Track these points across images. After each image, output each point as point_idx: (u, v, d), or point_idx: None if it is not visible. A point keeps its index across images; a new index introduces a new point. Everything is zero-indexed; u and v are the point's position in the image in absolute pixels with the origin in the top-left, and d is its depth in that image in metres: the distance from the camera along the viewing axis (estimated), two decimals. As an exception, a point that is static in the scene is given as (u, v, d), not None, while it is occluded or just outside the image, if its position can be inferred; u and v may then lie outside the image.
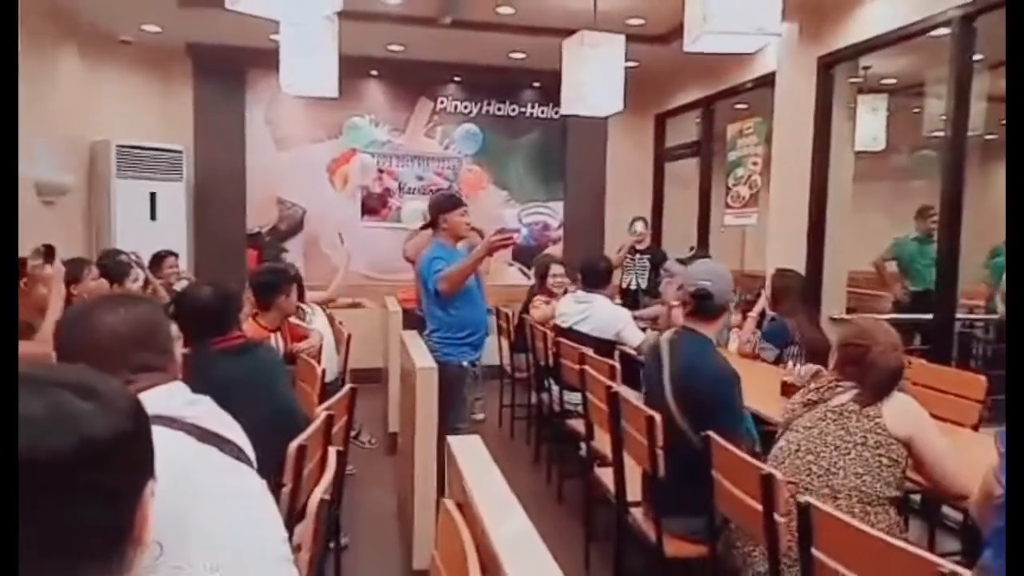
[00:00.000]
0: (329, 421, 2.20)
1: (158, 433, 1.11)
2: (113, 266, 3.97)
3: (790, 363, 3.24)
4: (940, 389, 2.87)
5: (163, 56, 6.10)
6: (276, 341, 3.19)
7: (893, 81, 6.18)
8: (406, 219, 6.57)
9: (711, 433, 2.08)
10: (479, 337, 3.58)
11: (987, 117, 5.78)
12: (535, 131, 6.97)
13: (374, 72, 6.57)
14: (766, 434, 2.46)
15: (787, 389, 2.86)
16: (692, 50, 3.23)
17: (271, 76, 4.70)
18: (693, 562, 2.30)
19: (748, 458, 1.90)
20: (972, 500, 1.69)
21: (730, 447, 1.99)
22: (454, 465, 1.58)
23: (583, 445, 3.43)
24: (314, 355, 3.29)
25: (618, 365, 3.50)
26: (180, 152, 6.01)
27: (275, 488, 1.68)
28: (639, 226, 5.94)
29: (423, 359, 3.01)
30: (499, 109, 6.88)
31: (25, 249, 2.64)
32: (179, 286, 4.38)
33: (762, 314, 3.99)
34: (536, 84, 6.80)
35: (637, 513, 2.58)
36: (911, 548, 1.36)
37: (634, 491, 2.60)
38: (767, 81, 5.10)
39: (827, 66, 4.47)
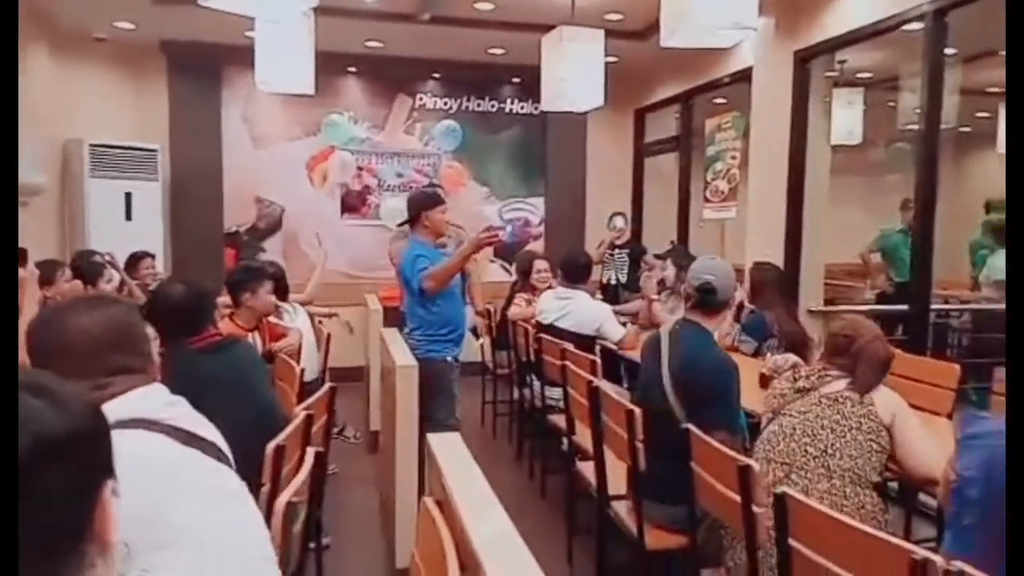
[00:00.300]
0: (308, 420, 2.19)
1: (138, 436, 1.10)
2: (87, 267, 3.92)
3: (768, 355, 3.27)
4: (915, 378, 2.91)
5: (137, 54, 6.01)
6: (254, 340, 3.17)
7: (869, 75, 6.24)
8: (386, 216, 6.53)
9: (690, 426, 2.10)
10: (460, 334, 3.59)
11: (960, 110, 5.88)
12: (515, 127, 6.96)
13: (352, 69, 6.52)
14: (750, 426, 2.48)
15: (765, 381, 2.88)
16: (669, 45, 3.24)
17: (247, 73, 4.65)
18: (674, 553, 2.31)
19: (726, 450, 1.92)
20: (939, 491, 1.72)
21: (709, 440, 2.01)
22: (434, 463, 1.58)
23: (565, 440, 3.44)
24: (293, 354, 3.27)
25: (599, 360, 3.52)
26: (155, 151, 5.93)
27: (254, 489, 1.66)
28: (618, 221, 5.97)
29: (403, 357, 3.00)
30: (479, 105, 6.87)
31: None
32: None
33: (740, 307, 4.02)
34: (516, 80, 6.79)
35: (620, 506, 2.59)
36: (885, 536, 1.38)
37: (617, 485, 2.61)
38: (745, 75, 5.14)
39: (803, 60, 4.51)
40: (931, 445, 2.00)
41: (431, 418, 3.26)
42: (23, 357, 1.20)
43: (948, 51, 3.79)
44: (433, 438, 1.72)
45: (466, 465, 1.55)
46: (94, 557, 0.57)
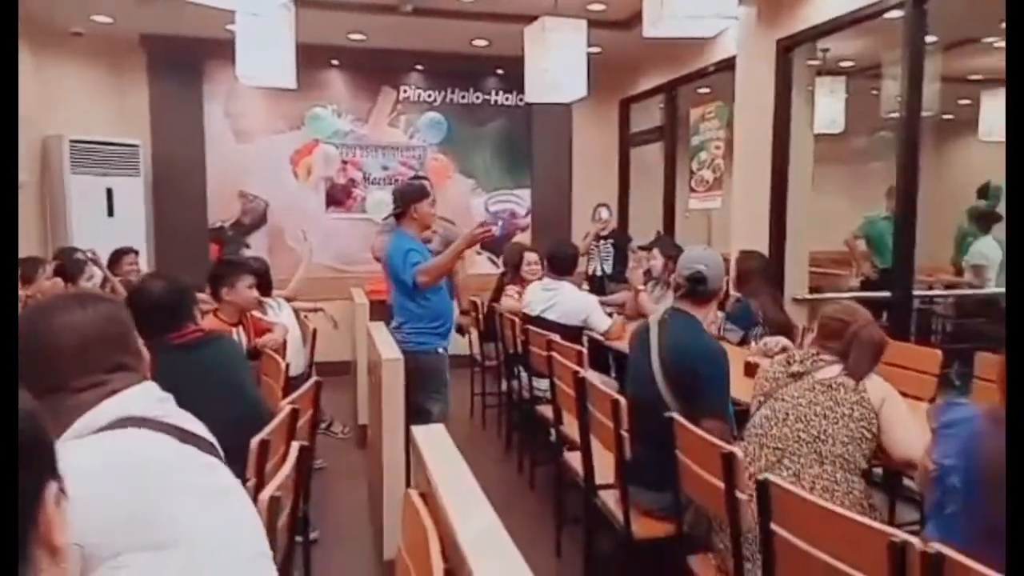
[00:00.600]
0: (294, 415, 2.18)
1: (136, 435, 1.10)
2: (69, 264, 3.87)
3: (753, 343, 3.28)
4: (898, 364, 2.93)
5: (116, 48, 5.94)
6: (239, 336, 3.15)
7: (851, 64, 6.27)
8: (371, 210, 6.51)
9: (674, 414, 2.11)
10: (448, 327, 3.59)
11: (942, 97, 5.92)
12: (500, 119, 6.94)
13: (335, 61, 6.48)
14: (736, 414, 2.49)
15: (751, 369, 2.90)
16: (651, 35, 3.25)
17: (229, 67, 4.61)
18: (661, 541, 2.33)
19: (710, 438, 1.93)
20: (916, 476, 1.74)
21: (693, 428, 2.02)
22: (418, 454, 1.58)
23: (552, 431, 3.45)
24: (278, 349, 3.26)
25: (585, 350, 3.52)
26: (137, 146, 5.87)
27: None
28: (603, 213, 5.98)
29: (389, 350, 2.99)
30: (463, 97, 6.84)
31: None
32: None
33: (726, 296, 4.03)
34: (500, 71, 6.76)
35: (607, 495, 2.60)
36: (865, 520, 1.40)
37: (604, 474, 2.62)
38: (729, 65, 5.14)
39: (786, 49, 4.52)
40: (915, 429, 2.01)
41: (425, 411, 3.26)
42: None
43: (929, 38, 3.81)
44: (417, 430, 1.71)
45: (450, 457, 1.54)
46: (41, 560, 0.57)
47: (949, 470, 1.42)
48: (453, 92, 6.80)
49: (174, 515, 1.01)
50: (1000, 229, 5.66)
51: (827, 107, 5.95)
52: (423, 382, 3.34)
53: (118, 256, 4.65)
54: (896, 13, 3.80)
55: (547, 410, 3.59)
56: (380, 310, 4.52)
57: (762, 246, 4.51)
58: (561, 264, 4.20)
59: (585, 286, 5.27)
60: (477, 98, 6.88)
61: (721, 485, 1.81)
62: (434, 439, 1.66)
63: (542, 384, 3.70)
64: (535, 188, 7.07)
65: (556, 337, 3.54)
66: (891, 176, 4.06)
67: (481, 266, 6.76)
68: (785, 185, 4.58)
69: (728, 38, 4.97)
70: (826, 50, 5.36)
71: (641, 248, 5.05)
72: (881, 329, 2.19)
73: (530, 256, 4.82)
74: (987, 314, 5.21)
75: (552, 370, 3.15)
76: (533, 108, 6.41)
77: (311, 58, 5.24)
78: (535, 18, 4.28)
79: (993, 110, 6.46)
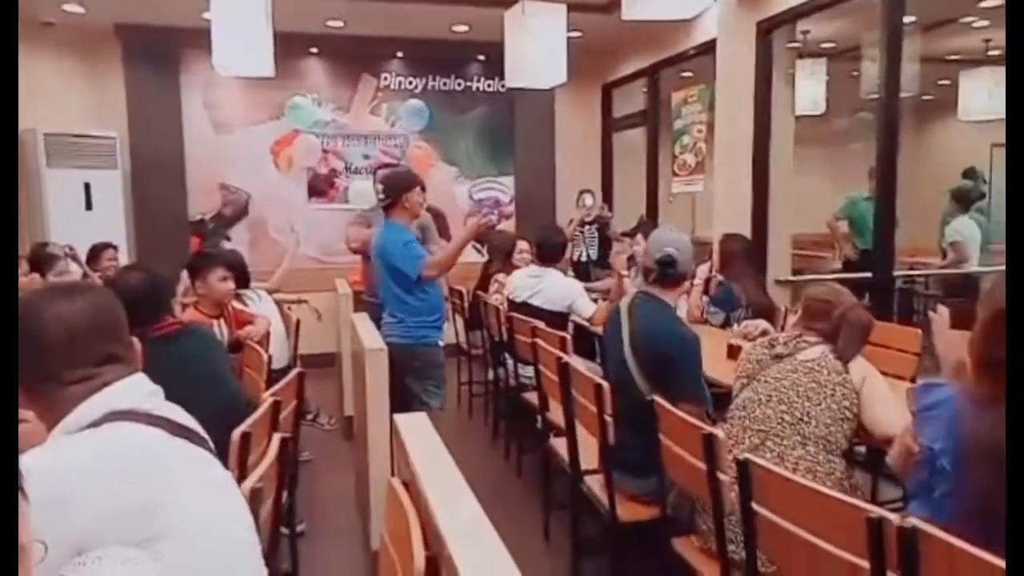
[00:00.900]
0: (276, 407, 2.16)
1: (130, 429, 1.08)
2: (43, 258, 3.82)
3: (736, 326, 3.30)
4: (879, 343, 2.96)
5: (90, 38, 5.83)
6: (220, 328, 3.13)
7: (832, 45, 6.28)
8: (354, 200, 6.45)
9: (656, 397, 2.11)
10: (442, 319, 3.60)
11: (922, 78, 5.94)
12: (482, 105, 6.89)
13: (314, 49, 6.40)
14: (715, 396, 2.51)
15: (733, 352, 2.91)
16: (630, 17, 3.23)
17: (206, 57, 4.53)
18: (646, 524, 2.35)
19: (692, 419, 1.94)
20: (891, 454, 1.75)
21: (674, 410, 2.02)
22: (401, 443, 1.58)
23: (539, 418, 3.46)
24: (261, 340, 3.23)
25: (570, 336, 3.53)
26: (114, 139, 5.78)
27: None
28: (587, 199, 5.97)
29: (372, 340, 2.98)
30: (445, 84, 6.78)
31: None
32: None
33: (710, 279, 4.05)
34: (481, 57, 6.71)
35: (592, 481, 2.61)
36: (843, 497, 1.41)
37: (590, 459, 2.63)
38: (710, 47, 5.13)
39: (766, 31, 4.51)
40: (894, 407, 2.03)
41: (426, 405, 3.26)
42: None
43: (907, 19, 3.82)
44: (400, 418, 1.71)
45: (433, 445, 1.54)
46: None
47: (939, 453, 1.42)
48: (435, 79, 6.74)
49: (168, 509, 1.01)
50: (980, 209, 5.72)
51: (808, 89, 5.96)
52: (425, 375, 3.36)
53: (97, 252, 4.59)
54: (874, -7, 3.81)
55: (533, 397, 3.60)
56: (360, 302, 4.49)
57: (744, 229, 4.53)
58: (550, 251, 4.19)
59: (570, 272, 5.27)
60: (459, 85, 6.82)
61: (703, 466, 1.82)
62: (416, 427, 1.66)
63: (528, 371, 3.71)
64: (519, 175, 7.04)
65: (541, 324, 3.54)
66: (872, 157, 4.08)
67: (465, 254, 6.71)
68: (767, 167, 4.59)
69: (709, 20, 4.95)
70: (806, 32, 5.36)
71: (624, 234, 5.06)
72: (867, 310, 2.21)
73: (522, 244, 4.81)
74: (969, 294, 5.26)
75: (536, 357, 3.16)
76: (516, 94, 6.36)
77: (289, 46, 5.17)
78: (515, 2, 4.25)
79: (972, 90, 6.49)
